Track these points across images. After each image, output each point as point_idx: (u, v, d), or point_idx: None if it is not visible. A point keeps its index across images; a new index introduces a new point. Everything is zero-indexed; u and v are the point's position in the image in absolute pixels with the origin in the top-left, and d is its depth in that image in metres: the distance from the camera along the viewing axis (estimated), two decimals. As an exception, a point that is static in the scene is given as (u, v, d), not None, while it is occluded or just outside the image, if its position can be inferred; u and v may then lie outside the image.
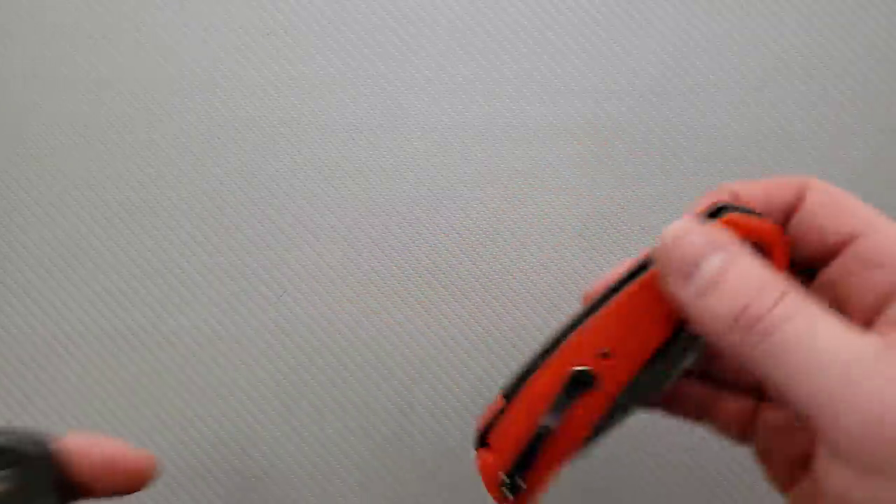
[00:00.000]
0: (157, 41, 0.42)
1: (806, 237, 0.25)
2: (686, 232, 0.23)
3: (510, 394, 0.25)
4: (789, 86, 0.42)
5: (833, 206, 0.25)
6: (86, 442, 0.24)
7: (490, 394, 0.40)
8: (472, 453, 0.26)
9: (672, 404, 0.29)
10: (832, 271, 0.25)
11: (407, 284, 0.41)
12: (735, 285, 0.22)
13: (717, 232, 0.23)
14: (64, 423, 0.39)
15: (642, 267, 0.24)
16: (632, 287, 0.24)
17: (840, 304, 0.24)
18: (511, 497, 0.24)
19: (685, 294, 0.23)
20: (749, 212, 0.24)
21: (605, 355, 0.24)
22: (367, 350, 0.40)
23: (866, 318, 0.23)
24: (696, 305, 0.23)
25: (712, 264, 0.22)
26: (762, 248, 0.23)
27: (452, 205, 0.43)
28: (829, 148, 0.42)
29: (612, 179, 0.42)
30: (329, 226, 0.41)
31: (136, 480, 0.25)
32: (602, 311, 0.24)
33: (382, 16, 0.42)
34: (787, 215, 0.26)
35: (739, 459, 0.40)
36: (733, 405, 0.28)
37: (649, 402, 0.26)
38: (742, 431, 0.28)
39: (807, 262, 0.25)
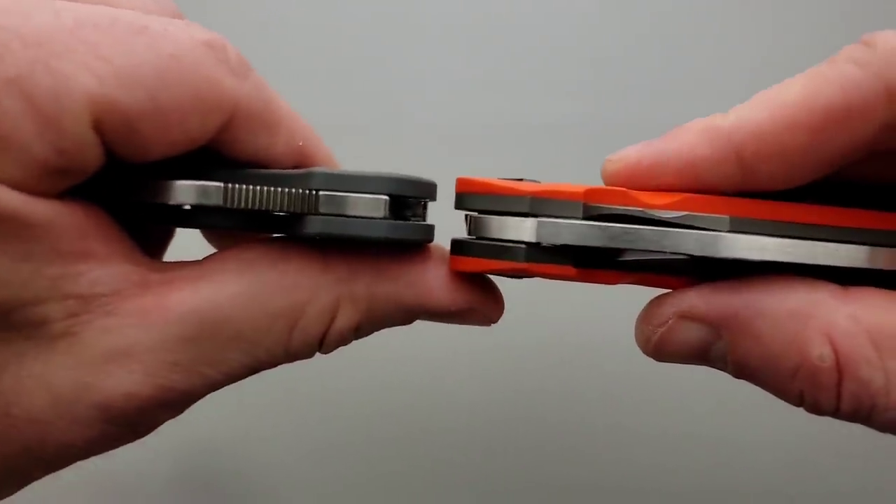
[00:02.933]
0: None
1: None
2: (660, 338, 0.18)
3: None
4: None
5: None
6: None
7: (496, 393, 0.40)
8: None
9: None
10: None
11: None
12: (767, 379, 0.17)
13: (697, 302, 0.17)
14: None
15: None
16: None
17: None
18: None
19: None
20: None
21: None
22: (364, 351, 0.40)
23: None
24: None
25: (720, 354, 0.17)
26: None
27: (451, 202, 0.43)
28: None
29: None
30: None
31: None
32: None
33: (378, 13, 0.42)
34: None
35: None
36: None
37: None
38: None
39: None
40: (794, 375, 0.16)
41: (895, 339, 0.16)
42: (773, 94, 0.17)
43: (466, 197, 0.19)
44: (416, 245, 0.20)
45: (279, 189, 0.17)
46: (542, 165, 0.42)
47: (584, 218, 0.18)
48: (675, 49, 0.42)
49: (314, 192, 0.17)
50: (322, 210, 0.17)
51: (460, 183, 0.19)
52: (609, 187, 0.18)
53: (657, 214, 0.17)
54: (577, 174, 0.41)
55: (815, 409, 0.16)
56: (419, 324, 0.40)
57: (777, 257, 0.17)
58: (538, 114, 0.41)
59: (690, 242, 0.17)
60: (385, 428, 0.40)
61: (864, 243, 0.17)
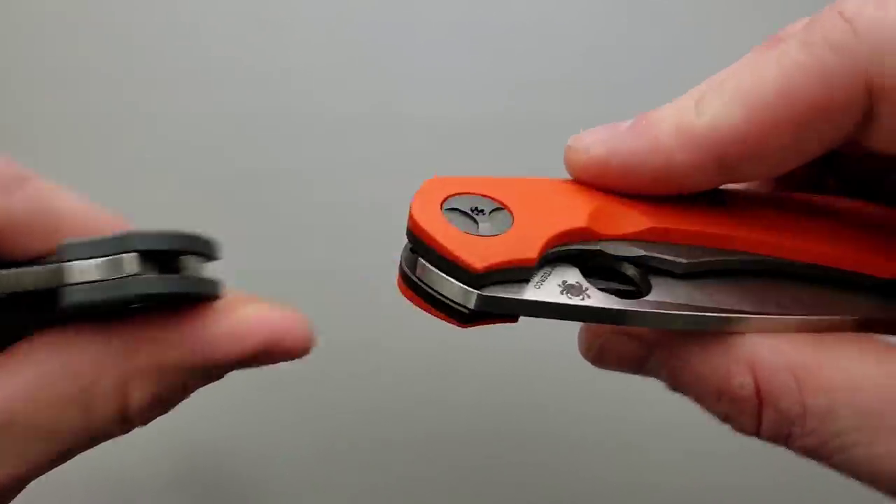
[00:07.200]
0: (153, 36, 0.41)
1: None
2: (598, 350, 0.18)
3: None
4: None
5: None
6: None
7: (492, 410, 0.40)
8: None
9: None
10: None
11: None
12: (696, 394, 0.17)
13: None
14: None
15: None
16: None
17: None
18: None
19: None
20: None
21: None
22: (360, 354, 0.40)
23: None
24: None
25: (655, 368, 0.18)
26: None
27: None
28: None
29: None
30: (322, 225, 0.41)
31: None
32: None
33: (374, 11, 0.42)
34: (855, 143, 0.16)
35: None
36: None
37: None
38: None
39: None
40: (719, 398, 0.16)
41: (814, 376, 0.16)
42: (747, 87, 0.15)
43: (416, 241, 0.18)
44: (193, 299, 0.19)
45: (26, 268, 0.17)
46: (530, 161, 0.42)
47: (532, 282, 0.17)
48: (666, 45, 0.42)
49: (61, 264, 0.17)
50: (72, 280, 0.17)
51: (411, 222, 0.18)
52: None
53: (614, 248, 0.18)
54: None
55: (739, 430, 0.17)
56: (421, 328, 0.40)
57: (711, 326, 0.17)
58: (529, 110, 0.41)
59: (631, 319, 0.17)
60: (384, 431, 0.40)
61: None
